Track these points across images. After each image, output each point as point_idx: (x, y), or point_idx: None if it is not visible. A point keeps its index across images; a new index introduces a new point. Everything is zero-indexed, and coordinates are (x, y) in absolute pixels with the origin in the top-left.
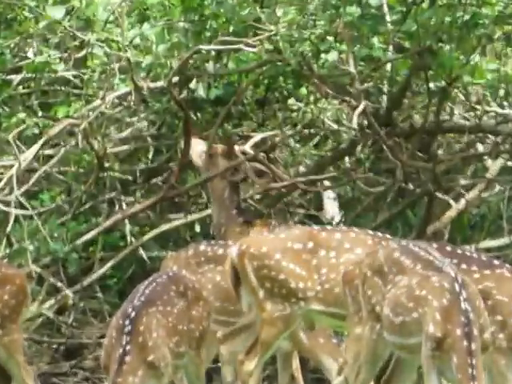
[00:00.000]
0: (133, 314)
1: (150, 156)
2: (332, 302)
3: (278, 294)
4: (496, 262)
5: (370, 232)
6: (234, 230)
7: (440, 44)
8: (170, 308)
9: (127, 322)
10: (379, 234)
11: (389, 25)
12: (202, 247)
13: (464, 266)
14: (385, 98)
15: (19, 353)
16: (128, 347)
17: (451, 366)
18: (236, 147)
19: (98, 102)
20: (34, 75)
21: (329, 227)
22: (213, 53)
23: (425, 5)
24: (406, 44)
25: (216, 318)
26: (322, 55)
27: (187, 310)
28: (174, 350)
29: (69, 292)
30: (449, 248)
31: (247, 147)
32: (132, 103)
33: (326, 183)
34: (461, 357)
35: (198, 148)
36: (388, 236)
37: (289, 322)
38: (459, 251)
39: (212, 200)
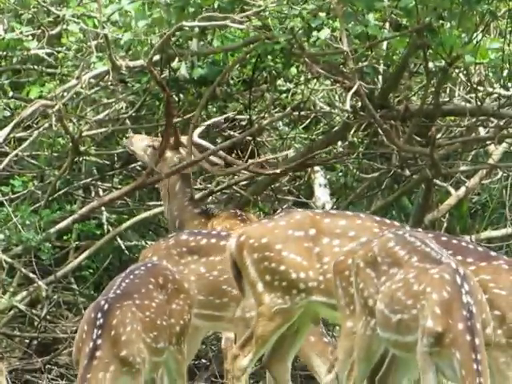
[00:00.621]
0: (106, 307)
1: None
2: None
3: (279, 286)
4: (493, 253)
5: (377, 218)
6: (191, 222)
7: (440, 21)
8: (148, 301)
9: (99, 315)
10: (386, 220)
11: (385, 0)
12: (184, 236)
13: (459, 258)
14: (380, 78)
15: None
16: (99, 341)
17: (453, 363)
18: (183, 138)
19: (74, 81)
20: (4, 53)
21: (333, 211)
22: (197, 30)
23: None
24: (404, 21)
25: (200, 311)
26: (314, 32)
27: (167, 304)
28: (152, 345)
29: (42, 283)
30: (444, 238)
31: (195, 136)
32: (110, 83)
33: (317, 168)
34: (464, 352)
35: (142, 143)
36: (396, 223)
37: (288, 316)
38: (455, 241)
39: (162, 194)
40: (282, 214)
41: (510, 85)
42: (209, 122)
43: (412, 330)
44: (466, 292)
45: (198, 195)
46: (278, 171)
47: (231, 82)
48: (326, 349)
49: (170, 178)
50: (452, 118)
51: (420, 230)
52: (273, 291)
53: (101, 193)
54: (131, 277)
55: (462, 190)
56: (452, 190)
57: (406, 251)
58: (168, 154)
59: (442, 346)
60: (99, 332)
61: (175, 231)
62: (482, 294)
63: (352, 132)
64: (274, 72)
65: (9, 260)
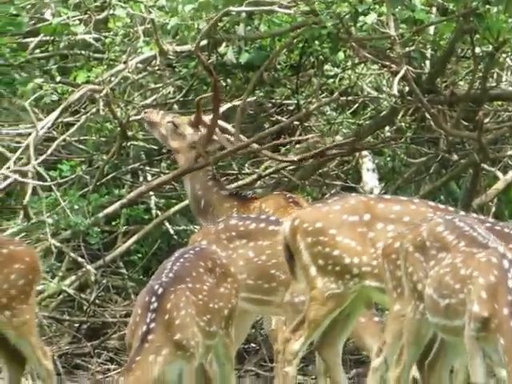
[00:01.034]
0: (160, 291)
1: None
2: None
3: (332, 271)
4: None
5: (431, 203)
6: (221, 205)
7: (487, 6)
8: (200, 285)
9: (153, 299)
10: (440, 205)
11: None
12: (233, 221)
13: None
14: (427, 63)
15: (32, 334)
16: (152, 325)
17: (498, 348)
18: (204, 116)
19: (121, 66)
20: (51, 38)
21: (386, 196)
22: (244, 14)
23: None
24: (451, 6)
25: (248, 296)
26: (361, 17)
27: (216, 288)
28: (206, 329)
29: (90, 268)
30: (488, 224)
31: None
32: (157, 68)
33: (365, 153)
34: (508, 339)
35: (164, 119)
36: (450, 208)
37: (340, 300)
38: (498, 227)
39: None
40: (336, 199)
41: None
42: (229, 105)
43: (460, 315)
44: None
45: (246, 180)
46: (295, 159)
47: (278, 66)
48: (378, 328)
49: (190, 156)
50: (499, 102)
51: (474, 214)
52: (326, 275)
53: (149, 177)
54: (181, 260)
55: (510, 174)
56: (500, 175)
57: (455, 236)
58: (188, 130)
59: (488, 331)
60: (153, 316)
61: (199, 212)
62: None
63: (399, 117)
64: (321, 57)
65: (58, 244)
